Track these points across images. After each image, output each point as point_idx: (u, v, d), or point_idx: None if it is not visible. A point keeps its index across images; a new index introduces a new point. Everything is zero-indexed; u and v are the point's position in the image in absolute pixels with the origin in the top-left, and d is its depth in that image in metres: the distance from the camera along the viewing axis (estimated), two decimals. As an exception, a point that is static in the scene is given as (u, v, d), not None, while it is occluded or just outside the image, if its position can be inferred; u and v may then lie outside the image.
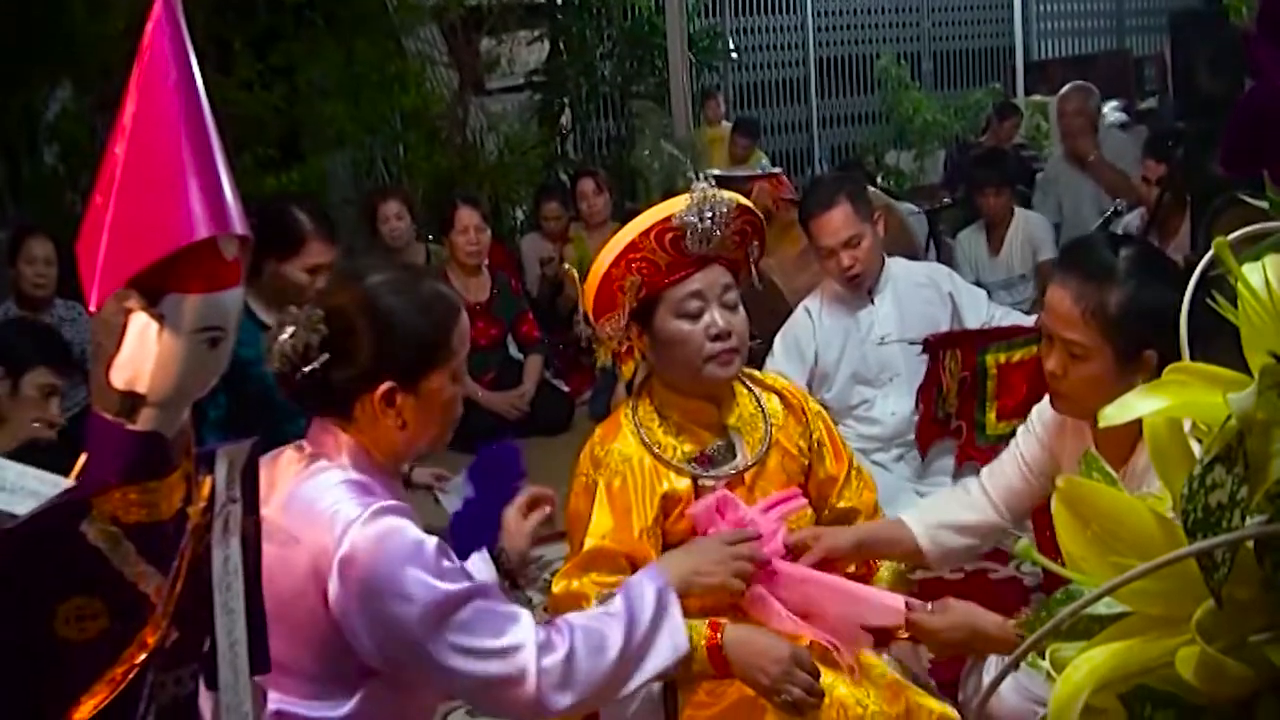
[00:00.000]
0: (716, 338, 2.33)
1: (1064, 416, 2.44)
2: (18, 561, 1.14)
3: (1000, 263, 6.26)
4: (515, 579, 2.25)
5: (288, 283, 3.79)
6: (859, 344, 4.00)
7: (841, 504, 2.58)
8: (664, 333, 2.34)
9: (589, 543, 2.32)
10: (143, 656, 1.19)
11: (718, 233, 2.29)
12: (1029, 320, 4.04)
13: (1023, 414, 3.75)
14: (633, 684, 1.97)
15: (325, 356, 1.85)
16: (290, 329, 1.87)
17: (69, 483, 1.23)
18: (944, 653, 2.27)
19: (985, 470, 2.67)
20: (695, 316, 2.32)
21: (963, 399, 3.87)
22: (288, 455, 1.94)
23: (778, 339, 4.04)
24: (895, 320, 4.03)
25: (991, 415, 3.86)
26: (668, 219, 2.27)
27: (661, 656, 1.97)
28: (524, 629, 1.85)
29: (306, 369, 1.85)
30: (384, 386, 1.88)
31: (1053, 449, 2.51)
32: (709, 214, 2.26)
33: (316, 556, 1.78)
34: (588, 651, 1.89)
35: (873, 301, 4.03)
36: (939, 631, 2.22)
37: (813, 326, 4.00)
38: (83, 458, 1.21)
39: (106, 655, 1.17)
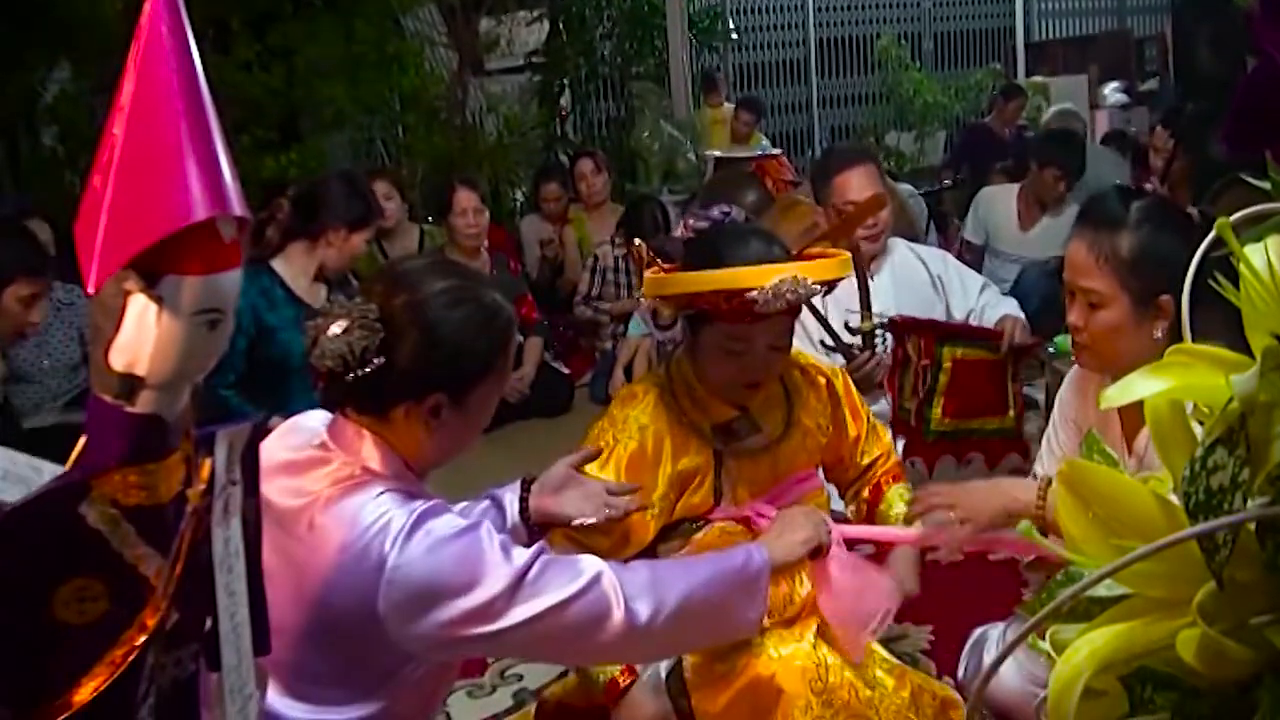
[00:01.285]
0: (746, 377, 2.36)
1: (1086, 388, 2.47)
2: (17, 544, 1.13)
3: (1028, 240, 6.12)
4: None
5: (353, 252, 3.90)
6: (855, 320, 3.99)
7: (864, 460, 2.63)
8: (705, 352, 2.35)
9: None
10: (143, 638, 1.19)
11: (791, 306, 2.25)
12: (1003, 310, 4.02)
13: (965, 416, 3.81)
14: (734, 624, 1.89)
15: (380, 361, 1.76)
16: (341, 324, 1.76)
17: (60, 470, 1.23)
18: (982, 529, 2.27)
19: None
20: (736, 354, 2.32)
21: (918, 392, 3.88)
22: (307, 450, 1.85)
23: None
24: (892, 298, 4.01)
25: (938, 410, 3.85)
26: (744, 292, 2.18)
27: (751, 612, 1.90)
28: (593, 561, 1.79)
29: (361, 372, 1.76)
30: (433, 400, 1.81)
31: (1079, 421, 2.53)
32: (789, 297, 2.19)
33: (363, 568, 1.70)
34: (670, 573, 1.83)
35: (870, 279, 4.02)
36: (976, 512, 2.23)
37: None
38: (82, 440, 1.21)
39: (106, 637, 1.17)
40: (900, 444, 3.86)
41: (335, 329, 1.76)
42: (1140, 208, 2.31)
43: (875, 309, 3.96)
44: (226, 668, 1.36)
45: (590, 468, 2.33)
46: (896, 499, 2.58)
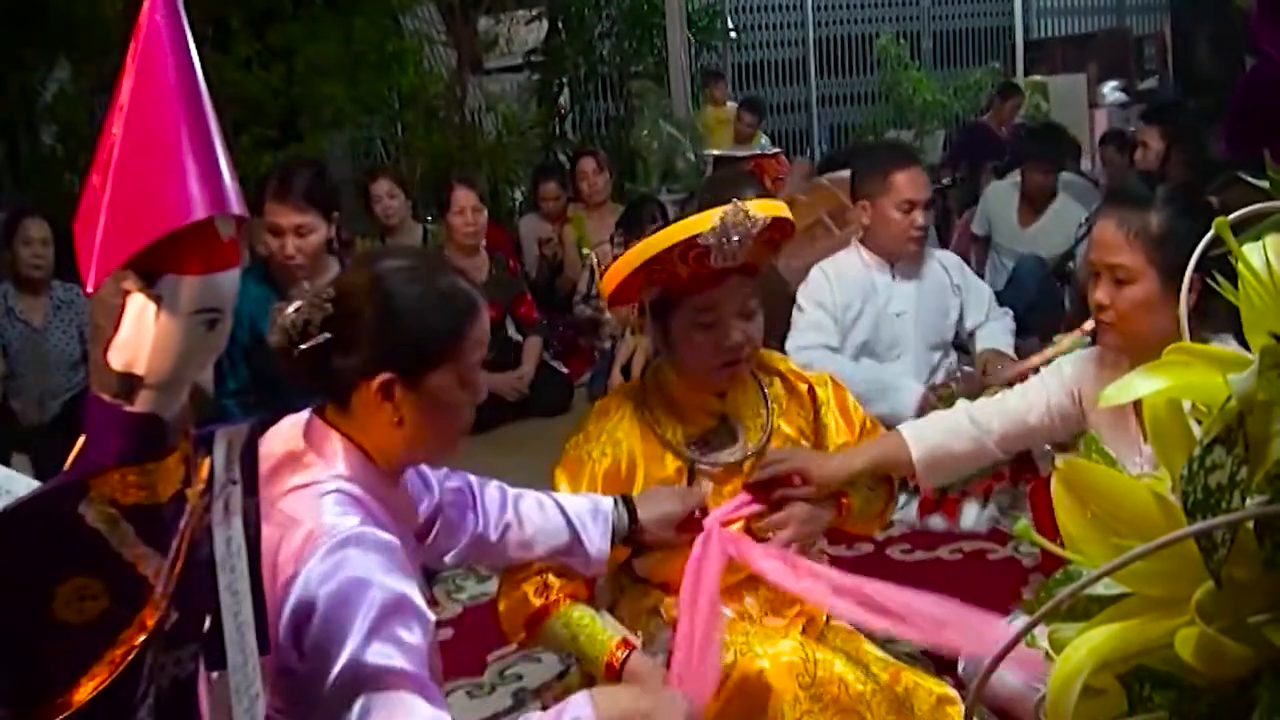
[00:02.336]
0: (727, 350, 2.33)
1: (1100, 370, 2.53)
2: (17, 544, 1.13)
3: (1028, 236, 6.14)
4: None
5: (266, 243, 3.89)
6: (874, 314, 4.03)
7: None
8: (678, 335, 2.34)
9: None
10: (142, 638, 1.19)
11: (744, 249, 2.24)
12: (990, 342, 4.15)
13: None
14: None
15: (325, 336, 1.78)
16: (297, 304, 1.80)
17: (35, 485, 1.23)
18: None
19: (993, 403, 2.73)
20: (709, 327, 2.31)
21: None
22: (285, 452, 1.83)
23: (803, 304, 4.04)
24: (914, 300, 4.06)
25: None
26: (693, 238, 2.20)
27: None
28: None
29: (304, 346, 1.78)
30: (382, 377, 1.79)
31: (1083, 395, 2.58)
32: (736, 235, 2.20)
33: (288, 577, 1.68)
34: None
35: (894, 278, 4.06)
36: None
37: (829, 287, 4.02)
38: (81, 439, 1.21)
39: (106, 637, 1.17)
40: (914, 506, 3.91)
41: (290, 308, 1.80)
42: (1165, 189, 2.41)
43: (895, 310, 4.02)
44: (233, 667, 1.36)
45: (564, 484, 2.36)
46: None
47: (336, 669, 1.62)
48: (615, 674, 2.21)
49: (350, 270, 1.90)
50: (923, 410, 3.77)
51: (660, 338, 2.39)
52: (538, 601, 2.25)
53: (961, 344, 4.32)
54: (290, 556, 1.69)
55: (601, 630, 2.22)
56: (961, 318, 4.20)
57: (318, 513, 1.72)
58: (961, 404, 2.76)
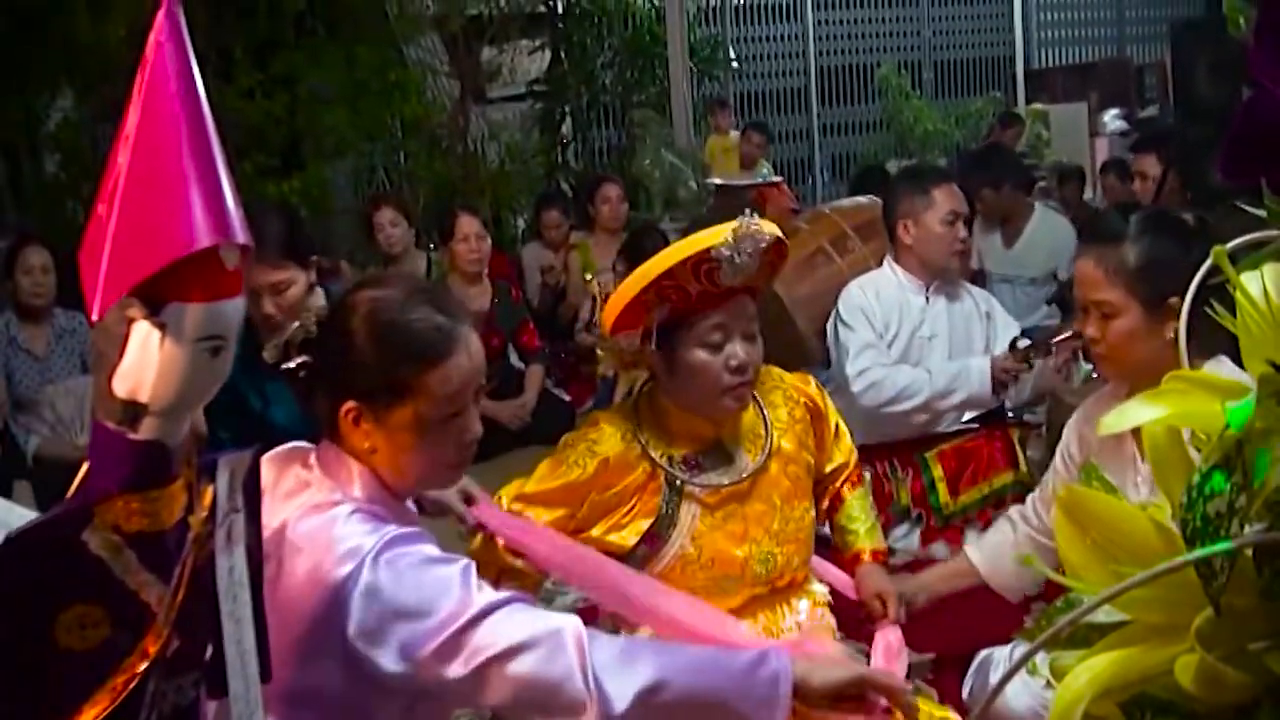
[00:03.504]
0: (735, 370, 2.33)
1: (1101, 410, 2.54)
2: (20, 570, 1.14)
3: (1013, 257, 6.12)
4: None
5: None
6: (907, 336, 4.03)
7: (830, 467, 2.64)
8: (684, 360, 2.34)
9: (516, 506, 2.40)
10: (144, 665, 1.19)
11: (753, 266, 2.27)
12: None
13: (971, 484, 3.92)
14: None
15: (303, 359, 1.82)
16: (296, 322, 1.85)
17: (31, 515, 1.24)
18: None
19: (1032, 500, 2.81)
20: (717, 348, 2.32)
21: (915, 492, 3.98)
22: (293, 472, 1.84)
23: (849, 319, 4.04)
24: (945, 324, 4.06)
25: (945, 496, 3.94)
26: (706, 251, 2.22)
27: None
28: (566, 616, 1.71)
29: (281, 366, 1.82)
30: (348, 405, 1.79)
31: (1076, 444, 2.65)
32: (748, 249, 2.23)
33: (333, 589, 1.68)
34: (651, 644, 1.75)
35: (927, 300, 4.06)
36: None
37: (870, 301, 4.03)
38: (84, 467, 1.21)
39: (108, 664, 1.17)
40: (916, 534, 3.92)
41: (292, 325, 1.85)
42: (1139, 219, 2.46)
43: (926, 333, 4.03)
44: (234, 696, 1.35)
45: (535, 485, 2.41)
46: (857, 512, 2.63)
47: (466, 616, 1.65)
48: None
49: (342, 294, 1.92)
50: (997, 381, 3.84)
51: (663, 366, 2.38)
52: None
53: None
54: (327, 578, 1.69)
55: None
56: (988, 348, 4.19)
57: (347, 531, 1.72)
58: (1010, 514, 2.89)
